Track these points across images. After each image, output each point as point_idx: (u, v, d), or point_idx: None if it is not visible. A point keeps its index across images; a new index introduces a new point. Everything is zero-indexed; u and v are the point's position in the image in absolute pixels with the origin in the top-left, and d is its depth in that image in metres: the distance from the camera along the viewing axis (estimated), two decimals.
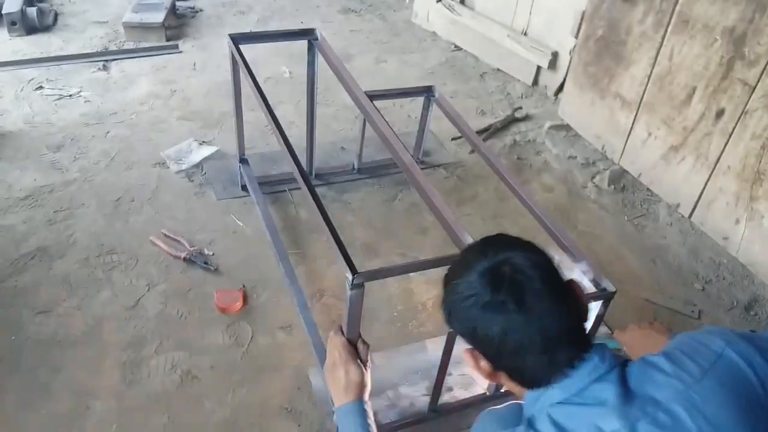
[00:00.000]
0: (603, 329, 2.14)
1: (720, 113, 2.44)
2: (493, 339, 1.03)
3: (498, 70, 3.72)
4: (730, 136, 2.42)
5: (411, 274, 2.33)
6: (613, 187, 2.88)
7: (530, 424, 1.06)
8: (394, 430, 1.83)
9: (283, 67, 3.58)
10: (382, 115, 2.05)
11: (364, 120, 2.50)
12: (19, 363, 1.94)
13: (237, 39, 2.26)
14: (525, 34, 3.51)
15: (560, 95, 3.36)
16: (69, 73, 3.39)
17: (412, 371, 1.99)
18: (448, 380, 1.94)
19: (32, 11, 3.69)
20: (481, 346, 1.08)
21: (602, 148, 3.05)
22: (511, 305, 1.02)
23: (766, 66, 2.23)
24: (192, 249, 2.33)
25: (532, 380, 1.08)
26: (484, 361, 1.11)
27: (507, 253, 1.07)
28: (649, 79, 2.71)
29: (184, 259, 2.30)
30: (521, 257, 1.06)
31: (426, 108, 2.68)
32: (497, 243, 1.13)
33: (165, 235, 2.41)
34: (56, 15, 3.92)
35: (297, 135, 2.83)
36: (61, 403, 1.85)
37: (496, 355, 1.08)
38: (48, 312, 2.10)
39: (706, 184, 2.58)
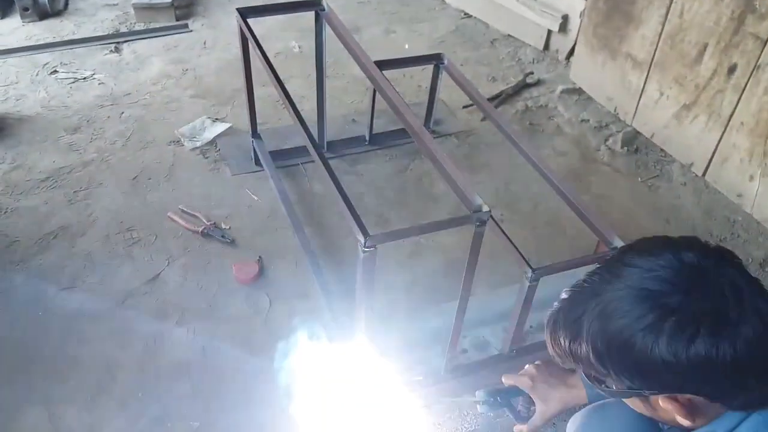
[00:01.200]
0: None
1: (732, 69, 2.41)
2: (717, 360, 0.86)
3: (508, 35, 3.69)
4: (743, 91, 2.40)
5: (423, 240, 2.37)
6: (626, 149, 2.87)
7: None
8: (411, 391, 1.87)
9: (292, 42, 3.58)
10: (391, 85, 2.06)
11: (374, 90, 2.51)
12: (47, 337, 2.01)
13: (245, 12, 2.27)
14: None
15: (571, 59, 3.33)
16: (82, 56, 3.42)
17: (426, 335, 2.03)
18: (463, 342, 1.97)
19: None
20: (714, 381, 0.89)
21: (615, 110, 3.03)
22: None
23: None
24: (209, 223, 2.38)
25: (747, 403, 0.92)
26: (695, 400, 0.92)
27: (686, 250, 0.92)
28: (659, 38, 2.68)
29: (202, 233, 2.35)
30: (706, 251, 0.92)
31: (436, 76, 2.68)
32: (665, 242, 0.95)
33: (182, 210, 2.45)
34: None
35: (308, 109, 2.84)
36: (88, 374, 1.92)
37: (736, 388, 0.90)
38: (72, 288, 2.17)
39: (719, 141, 2.56)
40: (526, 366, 1.55)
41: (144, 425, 1.80)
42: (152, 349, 1.99)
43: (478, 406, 1.57)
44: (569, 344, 0.98)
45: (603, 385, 0.99)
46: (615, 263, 0.96)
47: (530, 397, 1.52)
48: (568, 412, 1.48)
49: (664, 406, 0.94)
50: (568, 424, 1.40)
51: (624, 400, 1.03)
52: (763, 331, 0.86)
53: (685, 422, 0.94)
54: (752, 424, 0.93)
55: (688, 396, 0.92)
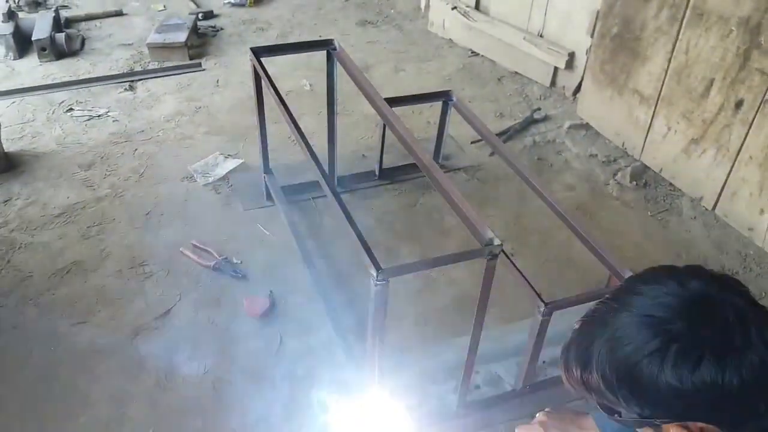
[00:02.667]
0: None
1: (739, 104, 2.43)
2: (723, 386, 0.85)
3: (515, 73, 3.75)
4: (751, 125, 2.41)
5: (434, 273, 2.37)
6: (635, 183, 2.88)
7: None
8: (424, 428, 1.85)
9: (303, 81, 3.65)
10: (401, 120, 2.09)
11: (384, 125, 2.55)
12: (59, 372, 2.01)
13: (258, 52, 2.33)
14: (541, 36, 3.54)
15: (578, 95, 3.37)
16: (97, 94, 3.49)
17: (439, 370, 2.02)
18: (476, 378, 1.96)
19: (61, 37, 3.82)
20: (721, 408, 0.88)
21: (622, 145, 3.06)
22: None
23: None
24: (221, 258, 2.39)
25: None
26: (707, 429, 0.92)
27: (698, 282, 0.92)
28: (666, 74, 2.71)
29: (214, 268, 2.36)
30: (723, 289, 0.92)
31: (444, 113, 2.72)
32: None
33: (194, 245, 2.47)
34: (83, 40, 4.04)
35: (318, 146, 2.82)
36: (99, 410, 1.91)
37: (745, 415, 0.89)
38: (84, 323, 2.18)
39: (728, 175, 2.57)
40: (537, 414, 1.53)
41: None
42: (163, 385, 1.98)
43: None
44: (581, 374, 0.98)
45: (615, 415, 0.98)
46: (622, 292, 0.97)
47: None
48: None
49: None
50: None
51: (637, 430, 1.02)
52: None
53: None
54: None
55: (700, 425, 0.91)
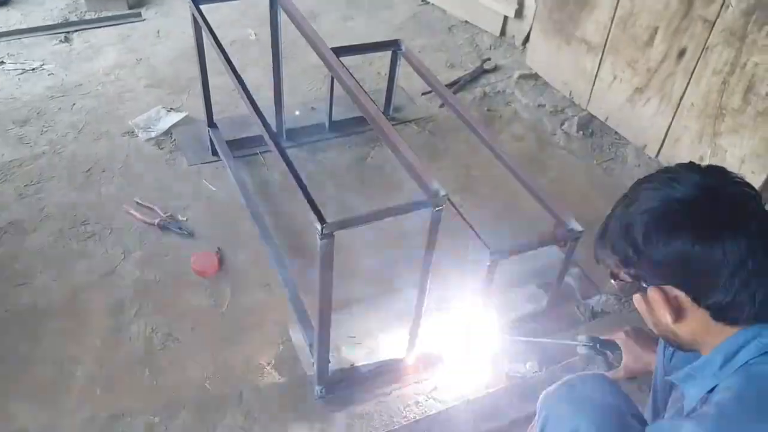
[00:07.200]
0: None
1: (682, 52, 2.46)
2: (715, 266, 0.95)
3: (466, 22, 3.71)
4: (692, 74, 2.45)
5: (385, 228, 2.36)
6: (581, 132, 2.91)
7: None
8: (374, 377, 1.88)
9: (248, 30, 3.53)
10: (349, 72, 2.04)
11: (332, 77, 2.49)
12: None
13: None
14: None
15: (528, 44, 3.36)
16: (30, 46, 3.32)
17: (390, 319, 2.04)
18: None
19: None
20: (692, 276, 0.98)
21: (570, 95, 3.07)
22: (753, 225, 0.95)
23: (724, 0, 2.25)
24: (165, 215, 2.34)
25: (755, 314, 0.98)
26: (680, 298, 1.01)
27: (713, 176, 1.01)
28: (612, 22, 2.72)
29: (159, 225, 2.31)
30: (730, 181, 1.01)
31: (394, 63, 2.68)
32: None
33: (138, 203, 2.40)
34: None
35: (266, 97, 2.80)
36: (43, 372, 1.87)
37: (709, 287, 0.98)
38: (25, 284, 2.11)
39: (670, 123, 2.62)
40: (626, 328, 1.64)
41: (103, 422, 1.77)
42: (110, 345, 1.95)
43: (578, 348, 1.68)
44: (598, 243, 1.10)
45: (617, 280, 1.09)
46: (650, 175, 1.08)
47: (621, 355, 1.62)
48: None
49: (652, 296, 1.03)
50: (541, 395, 1.41)
51: (634, 300, 1.11)
52: (746, 251, 0.94)
53: (668, 318, 1.03)
54: (752, 350, 0.99)
55: (675, 293, 1.01)
